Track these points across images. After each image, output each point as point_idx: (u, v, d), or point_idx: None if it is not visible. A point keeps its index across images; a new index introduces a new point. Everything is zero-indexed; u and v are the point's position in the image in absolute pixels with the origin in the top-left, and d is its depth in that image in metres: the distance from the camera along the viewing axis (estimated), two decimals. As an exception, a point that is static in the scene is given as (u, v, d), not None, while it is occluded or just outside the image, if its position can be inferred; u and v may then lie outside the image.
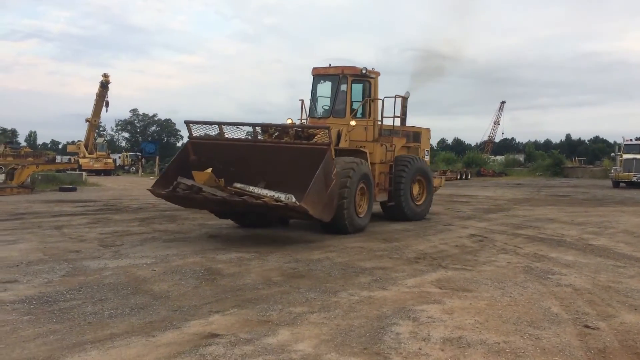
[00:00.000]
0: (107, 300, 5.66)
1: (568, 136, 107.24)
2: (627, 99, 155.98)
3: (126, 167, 53.51)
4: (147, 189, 10.00)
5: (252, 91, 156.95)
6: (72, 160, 41.40)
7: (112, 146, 72.33)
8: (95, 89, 40.69)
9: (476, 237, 10.55)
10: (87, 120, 42.28)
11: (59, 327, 4.76)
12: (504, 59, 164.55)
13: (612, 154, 36.33)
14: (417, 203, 13.34)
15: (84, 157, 42.02)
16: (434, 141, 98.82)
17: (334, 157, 9.75)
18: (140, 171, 45.84)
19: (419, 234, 10.90)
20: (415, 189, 13.38)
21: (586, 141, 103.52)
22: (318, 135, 10.04)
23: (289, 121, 12.10)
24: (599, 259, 8.51)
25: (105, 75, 39.67)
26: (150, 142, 65.38)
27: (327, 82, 12.61)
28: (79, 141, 46.68)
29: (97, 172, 40.21)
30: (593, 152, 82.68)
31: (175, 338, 4.55)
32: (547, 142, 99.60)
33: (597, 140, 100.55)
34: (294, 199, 8.79)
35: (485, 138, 76.38)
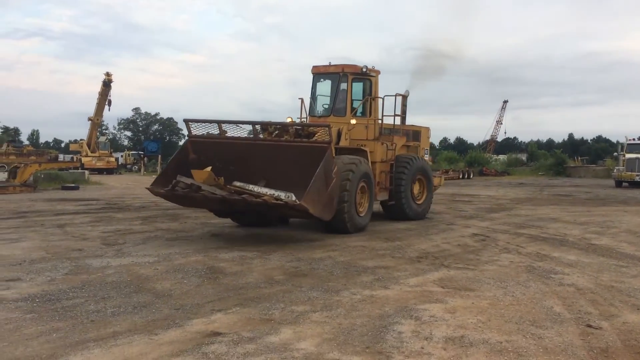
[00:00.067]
0: (110, 298, 5.68)
1: (570, 135, 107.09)
2: (629, 98, 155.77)
3: (128, 166, 53.62)
4: (146, 188, 10.00)
5: (254, 90, 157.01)
6: (75, 159, 41.51)
7: (115, 145, 72.43)
8: (97, 87, 40.89)
9: (478, 237, 10.54)
10: (89, 119, 42.40)
11: (62, 325, 4.77)
12: (506, 58, 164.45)
13: (615, 154, 36.22)
14: (418, 202, 13.32)
15: (87, 155, 42.12)
16: (436, 140, 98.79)
17: (334, 155, 9.70)
18: (142, 170, 45.93)
19: (421, 233, 10.90)
20: (416, 188, 13.35)
21: (589, 141, 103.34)
22: (318, 134, 10.01)
23: (289, 120, 12.07)
24: (601, 258, 8.49)
25: (107, 74, 39.77)
26: (153, 141, 65.52)
27: (327, 80, 12.57)
28: (81, 140, 46.81)
29: (100, 171, 40.31)
30: (596, 152, 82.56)
31: (177, 336, 4.56)
32: (550, 142, 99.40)
33: (599, 139, 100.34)
34: (294, 198, 8.72)
35: (488, 137, 76.42)
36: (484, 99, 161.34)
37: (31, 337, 4.48)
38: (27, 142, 71.56)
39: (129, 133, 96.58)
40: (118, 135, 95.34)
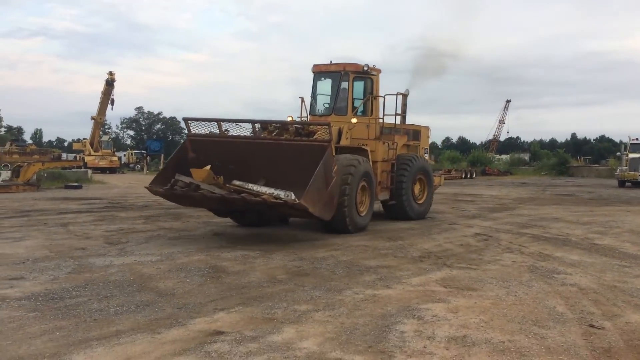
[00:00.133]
0: (113, 297, 5.69)
1: (573, 135, 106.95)
2: (633, 98, 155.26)
3: (131, 165, 53.69)
4: (145, 187, 9.98)
5: (257, 89, 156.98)
6: (78, 158, 41.51)
7: (118, 144, 72.60)
8: (100, 86, 40.87)
9: (481, 236, 10.53)
10: (92, 118, 42.45)
11: (65, 324, 4.79)
12: (509, 57, 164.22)
13: (618, 153, 36.12)
14: (419, 202, 13.29)
15: (90, 154, 42.17)
16: (438, 140, 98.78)
17: (334, 154, 9.62)
18: (145, 169, 45.97)
19: (423, 233, 10.89)
20: (417, 188, 13.31)
21: (592, 140, 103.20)
22: (318, 133, 9.95)
23: (290, 118, 12.02)
24: (604, 258, 8.48)
25: (110, 73, 39.82)
26: (155, 140, 65.57)
27: (327, 79, 12.52)
28: (84, 139, 46.90)
29: (103, 170, 40.34)
30: (598, 152, 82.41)
31: (180, 335, 4.57)
32: (553, 141, 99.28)
33: (602, 139, 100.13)
34: (293, 197, 8.63)
35: (491, 137, 76.34)
36: (487, 98, 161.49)
37: (34, 335, 4.50)
38: (30, 141, 71.66)
39: (131, 132, 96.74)
40: (121, 135, 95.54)
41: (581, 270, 7.49)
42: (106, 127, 75.90)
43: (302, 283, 6.45)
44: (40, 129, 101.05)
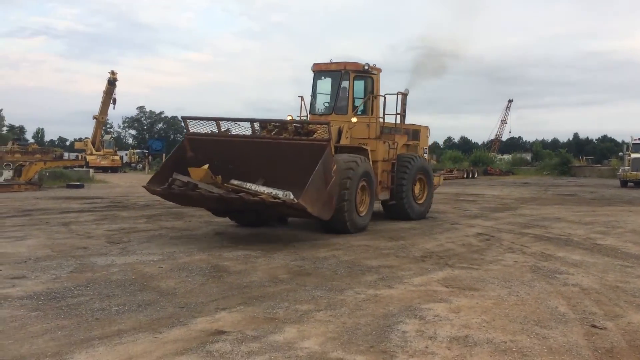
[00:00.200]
0: (115, 296, 5.69)
1: (576, 135, 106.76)
2: (635, 97, 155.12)
3: (133, 165, 53.70)
4: (142, 186, 9.97)
5: (259, 89, 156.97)
6: (80, 157, 41.57)
7: (119, 143, 72.61)
8: (102, 86, 40.88)
9: (483, 236, 10.52)
10: (94, 118, 42.51)
11: (67, 323, 4.79)
12: (510, 57, 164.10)
13: (620, 153, 36.08)
14: (419, 202, 13.24)
15: (91, 154, 42.21)
16: (440, 140, 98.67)
17: (333, 153, 9.52)
18: (147, 168, 45.95)
19: (425, 233, 10.88)
20: (417, 188, 13.27)
21: (594, 140, 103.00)
22: (318, 132, 9.88)
23: (289, 118, 11.95)
24: (606, 258, 8.47)
25: (112, 73, 39.86)
26: (157, 140, 65.64)
27: (328, 78, 12.47)
28: (86, 138, 46.93)
29: (104, 169, 40.35)
30: (601, 151, 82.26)
31: (182, 335, 4.57)
32: (555, 141, 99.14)
33: (605, 139, 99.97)
34: (292, 196, 8.56)
35: (492, 137, 76.18)
36: (489, 98, 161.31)
37: (36, 334, 4.50)
38: (32, 141, 71.68)
39: (133, 131, 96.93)
40: (123, 134, 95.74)
41: (583, 271, 7.48)
42: (108, 126, 76.08)
43: (303, 283, 6.45)
44: (42, 128, 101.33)
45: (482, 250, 9.02)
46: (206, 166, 9.44)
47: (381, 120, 12.47)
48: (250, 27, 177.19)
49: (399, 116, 12.78)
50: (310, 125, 10.40)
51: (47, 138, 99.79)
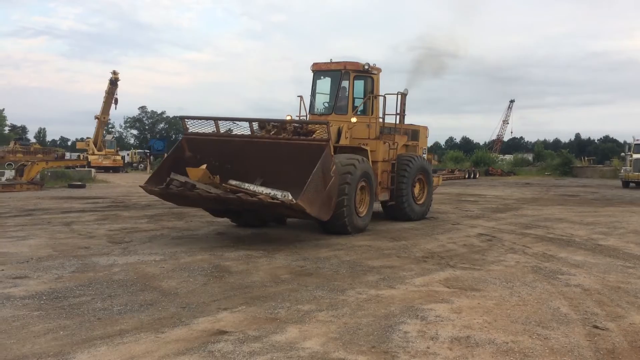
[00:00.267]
0: (117, 296, 5.70)
1: (577, 135, 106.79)
2: (637, 98, 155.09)
3: (134, 164, 53.75)
4: (140, 186, 9.95)
5: (260, 88, 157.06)
6: (81, 157, 41.58)
7: (121, 143, 72.71)
8: (104, 86, 40.96)
9: (484, 237, 10.51)
10: (96, 118, 42.56)
11: (69, 323, 4.80)
12: (512, 57, 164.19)
13: (622, 154, 35.97)
14: (418, 202, 13.20)
15: (93, 154, 42.24)
16: (442, 140, 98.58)
17: (333, 153, 9.44)
18: (148, 168, 45.98)
19: (427, 233, 10.88)
20: (417, 188, 13.23)
21: (596, 141, 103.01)
22: (317, 132, 9.81)
23: (288, 117, 11.85)
24: (608, 259, 8.46)
25: (114, 73, 39.93)
26: (159, 140, 65.74)
27: (327, 78, 12.42)
28: (87, 138, 46.95)
29: (106, 169, 40.42)
30: (603, 152, 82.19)
31: (183, 334, 4.58)
32: (556, 142, 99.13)
33: (606, 139, 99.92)
34: (290, 197, 8.46)
35: (494, 137, 76.11)
36: (490, 98, 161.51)
37: (38, 334, 4.51)
38: (34, 140, 71.92)
39: (135, 131, 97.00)
40: (124, 134, 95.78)
41: (585, 271, 7.48)
42: (110, 126, 76.17)
43: (305, 283, 6.45)
44: (44, 128, 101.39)
45: (483, 250, 9.01)
46: (204, 166, 9.37)
47: (381, 120, 12.43)
48: (251, 27, 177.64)
49: (398, 116, 12.75)
50: (310, 125, 10.32)
51: (48, 138, 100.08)
